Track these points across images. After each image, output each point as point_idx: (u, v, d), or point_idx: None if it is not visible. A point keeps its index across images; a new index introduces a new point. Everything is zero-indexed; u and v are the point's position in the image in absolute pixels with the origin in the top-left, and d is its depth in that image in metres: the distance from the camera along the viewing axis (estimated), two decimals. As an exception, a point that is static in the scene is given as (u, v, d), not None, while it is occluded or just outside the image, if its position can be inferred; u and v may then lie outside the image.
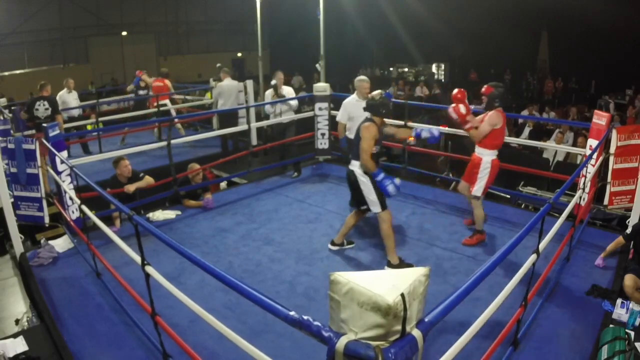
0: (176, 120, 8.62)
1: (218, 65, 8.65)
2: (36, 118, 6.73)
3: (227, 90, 8.03)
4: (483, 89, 4.34)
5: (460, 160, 7.19)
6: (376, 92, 4.13)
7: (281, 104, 6.50)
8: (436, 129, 4.45)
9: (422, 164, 6.67)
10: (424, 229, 4.85)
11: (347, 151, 4.14)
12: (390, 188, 3.86)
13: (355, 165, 4.01)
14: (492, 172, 4.38)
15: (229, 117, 7.75)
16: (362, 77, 5.55)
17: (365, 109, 4.01)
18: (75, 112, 8.43)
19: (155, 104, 8.86)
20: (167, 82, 9.14)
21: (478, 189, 4.38)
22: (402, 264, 4.02)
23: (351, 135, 5.04)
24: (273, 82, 6.58)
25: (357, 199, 4.13)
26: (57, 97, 8.07)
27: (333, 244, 4.42)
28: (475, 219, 4.49)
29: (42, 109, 6.78)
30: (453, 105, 4.54)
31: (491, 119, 4.27)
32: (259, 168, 6.66)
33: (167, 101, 9.00)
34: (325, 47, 8.82)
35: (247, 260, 4.30)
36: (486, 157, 4.35)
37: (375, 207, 3.99)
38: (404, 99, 10.40)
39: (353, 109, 5.30)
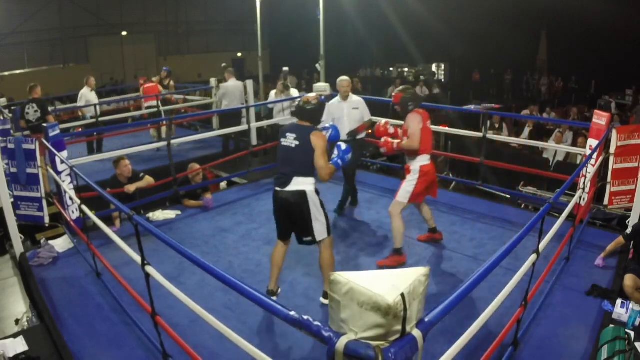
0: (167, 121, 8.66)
1: (223, 65, 8.65)
2: (28, 122, 6.74)
3: (232, 91, 8.04)
4: (393, 99, 4.13)
5: (460, 161, 7.21)
6: (312, 95, 3.58)
7: (289, 103, 6.55)
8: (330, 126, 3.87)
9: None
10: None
11: (281, 168, 3.42)
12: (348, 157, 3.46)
13: (301, 184, 3.31)
14: (422, 180, 4.03)
15: (230, 118, 7.75)
16: (343, 77, 5.37)
17: (294, 114, 3.52)
18: (95, 111, 8.55)
19: (146, 105, 8.99)
20: (159, 84, 9.28)
21: (402, 194, 4.02)
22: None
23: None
24: (280, 83, 6.68)
25: (298, 230, 3.45)
26: (80, 95, 8.26)
27: (272, 293, 3.58)
28: (393, 234, 4.06)
29: (32, 112, 6.78)
30: (382, 141, 4.20)
31: (411, 120, 3.99)
32: (259, 168, 6.66)
33: (153, 102, 9.07)
34: (325, 47, 8.82)
35: (247, 260, 4.29)
36: (415, 164, 4.03)
37: (321, 233, 3.36)
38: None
39: (336, 111, 5.21)
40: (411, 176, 4.04)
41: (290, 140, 3.35)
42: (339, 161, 3.42)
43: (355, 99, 5.30)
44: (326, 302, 3.35)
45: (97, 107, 8.32)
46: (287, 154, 3.36)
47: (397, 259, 4.05)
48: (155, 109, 8.96)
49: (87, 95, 8.27)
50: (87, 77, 8.54)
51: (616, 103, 12.59)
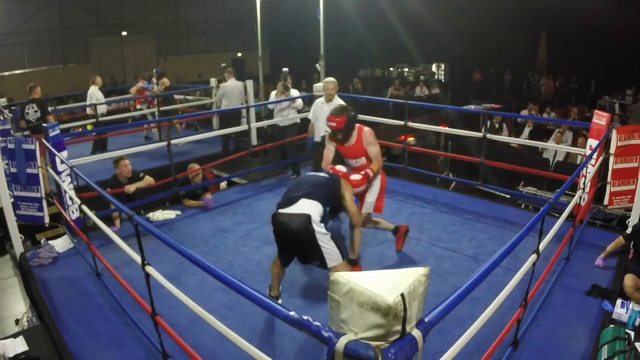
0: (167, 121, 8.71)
1: (223, 65, 8.66)
2: (28, 122, 6.75)
3: (231, 91, 8.04)
4: (334, 125, 3.74)
5: (460, 160, 7.21)
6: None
7: (288, 103, 6.55)
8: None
9: (422, 164, 6.67)
10: (424, 229, 4.84)
11: (290, 191, 3.23)
12: None
13: (308, 208, 3.01)
14: (383, 188, 4.00)
15: (230, 118, 7.75)
16: (329, 78, 5.29)
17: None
18: (105, 109, 8.75)
19: (138, 106, 9.16)
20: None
21: (367, 206, 3.91)
22: None
23: (318, 137, 5.06)
24: (280, 84, 6.70)
25: (303, 255, 3.15)
26: (90, 94, 8.39)
27: (277, 298, 3.43)
28: (354, 244, 3.91)
29: (31, 112, 6.80)
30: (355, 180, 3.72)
31: (370, 137, 3.84)
32: (259, 168, 6.66)
33: (139, 105, 9.18)
34: (325, 47, 8.82)
35: (247, 260, 4.29)
36: (377, 175, 3.94)
37: (333, 260, 3.04)
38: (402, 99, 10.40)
39: (317, 110, 5.29)
40: (374, 187, 3.92)
41: (321, 175, 3.35)
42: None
43: (338, 102, 5.11)
44: None
45: (104, 105, 8.49)
46: (309, 180, 3.20)
47: (352, 269, 3.63)
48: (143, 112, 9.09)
49: (97, 94, 8.42)
50: (93, 76, 8.68)
51: (618, 104, 12.58)
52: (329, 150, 3.92)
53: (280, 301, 3.42)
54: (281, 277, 3.41)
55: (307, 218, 2.94)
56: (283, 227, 3.01)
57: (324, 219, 3.07)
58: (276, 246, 3.25)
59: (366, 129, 3.87)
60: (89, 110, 8.52)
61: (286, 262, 3.26)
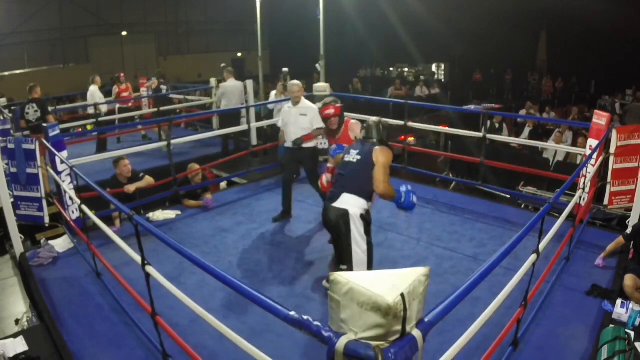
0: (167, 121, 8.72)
1: (222, 65, 8.66)
2: (28, 122, 6.75)
3: (231, 91, 8.04)
4: (332, 112, 3.97)
5: (460, 160, 7.21)
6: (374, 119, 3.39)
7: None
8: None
9: (422, 164, 6.68)
10: (424, 229, 4.85)
11: (336, 184, 3.27)
12: (414, 199, 3.17)
13: (347, 203, 3.01)
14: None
15: (230, 118, 7.76)
16: (294, 81, 5.09)
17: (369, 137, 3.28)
18: (106, 108, 8.82)
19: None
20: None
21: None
22: None
23: (289, 143, 4.92)
24: (280, 84, 6.69)
25: (339, 254, 3.19)
26: (91, 93, 8.45)
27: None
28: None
29: (31, 112, 6.81)
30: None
31: (354, 128, 4.12)
32: (259, 168, 6.66)
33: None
34: (325, 47, 8.82)
35: (247, 260, 4.29)
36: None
37: (360, 264, 2.97)
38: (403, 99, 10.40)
39: (285, 115, 5.01)
40: None
41: (353, 155, 3.20)
42: (402, 202, 3.11)
43: (306, 104, 4.95)
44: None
45: (105, 105, 8.51)
46: (346, 168, 3.16)
47: None
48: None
49: (97, 93, 8.47)
50: (93, 76, 8.72)
51: (620, 104, 12.58)
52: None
53: None
54: None
55: (346, 213, 2.97)
56: (328, 220, 3.09)
57: (364, 216, 3.04)
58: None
59: (352, 120, 4.23)
60: (90, 110, 8.55)
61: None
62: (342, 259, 3.09)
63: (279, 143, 5.49)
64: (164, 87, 9.49)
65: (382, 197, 3.05)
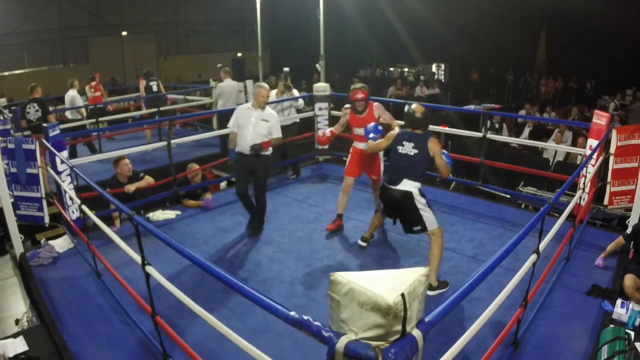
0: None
1: (219, 65, 8.66)
2: (29, 121, 6.75)
3: (227, 91, 8.02)
4: (362, 96, 4.58)
5: (460, 161, 7.21)
6: (416, 105, 3.87)
7: (289, 103, 6.54)
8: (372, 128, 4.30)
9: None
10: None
11: (391, 171, 3.79)
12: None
13: (408, 186, 3.64)
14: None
15: (228, 117, 7.74)
16: (262, 83, 4.79)
17: (406, 124, 3.82)
18: (84, 112, 8.69)
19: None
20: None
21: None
22: (440, 286, 3.67)
23: (239, 147, 4.55)
24: (281, 84, 6.66)
25: (407, 222, 3.78)
26: (73, 98, 8.29)
27: (364, 239, 4.44)
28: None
29: (32, 111, 6.81)
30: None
31: (378, 109, 4.71)
32: (259, 168, 6.64)
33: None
34: (325, 47, 8.81)
35: (247, 260, 4.29)
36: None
37: (432, 224, 3.69)
38: (404, 99, 10.40)
39: (243, 117, 4.58)
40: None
41: (408, 148, 3.70)
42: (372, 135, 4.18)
43: (269, 111, 4.67)
44: (432, 293, 3.59)
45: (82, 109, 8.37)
46: (402, 160, 3.71)
47: (339, 223, 4.84)
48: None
49: (78, 97, 8.30)
50: (72, 79, 8.44)
51: (617, 103, 12.56)
52: (342, 121, 4.86)
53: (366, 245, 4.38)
54: (377, 227, 4.44)
55: (410, 194, 3.64)
56: (393, 199, 3.73)
57: (422, 193, 3.70)
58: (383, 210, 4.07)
59: (375, 103, 4.71)
60: (69, 115, 8.42)
61: (389, 217, 4.04)
62: (413, 223, 3.74)
63: (229, 145, 4.80)
64: (153, 84, 9.06)
65: (446, 175, 3.84)
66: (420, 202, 3.65)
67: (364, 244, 4.41)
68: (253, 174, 4.64)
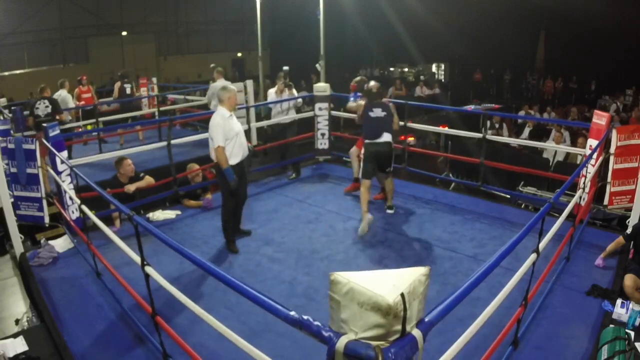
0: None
1: (212, 65, 8.65)
2: (37, 117, 6.77)
3: None
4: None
5: (460, 161, 7.21)
6: (374, 83, 5.13)
7: (288, 103, 6.53)
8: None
9: (421, 164, 6.67)
10: (424, 229, 4.85)
11: (373, 130, 4.86)
12: None
13: (388, 137, 4.83)
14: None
15: None
16: (231, 86, 4.67)
17: (371, 97, 4.94)
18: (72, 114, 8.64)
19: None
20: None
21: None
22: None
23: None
24: (281, 82, 6.64)
25: (384, 165, 4.92)
26: (64, 98, 8.20)
27: (390, 207, 5.26)
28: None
29: (42, 107, 6.86)
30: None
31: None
32: (259, 168, 6.66)
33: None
34: (325, 47, 8.83)
35: (247, 260, 4.30)
36: None
37: (391, 166, 5.00)
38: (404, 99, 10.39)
39: (231, 126, 4.30)
40: None
41: (378, 113, 4.86)
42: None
43: (238, 113, 4.62)
44: (391, 211, 5.21)
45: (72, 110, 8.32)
46: (377, 121, 4.86)
47: (356, 185, 5.58)
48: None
49: (69, 97, 8.24)
50: (62, 80, 8.33)
51: (619, 105, 12.55)
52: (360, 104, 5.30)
53: (370, 218, 4.81)
54: (368, 199, 4.91)
55: (390, 143, 4.87)
56: (379, 148, 4.83)
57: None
58: (366, 170, 4.89)
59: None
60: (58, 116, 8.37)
61: (371, 176, 4.95)
62: (388, 166, 4.95)
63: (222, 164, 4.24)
64: (127, 86, 8.92)
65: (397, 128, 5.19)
66: (394, 149, 4.97)
67: (391, 211, 5.24)
68: (243, 178, 4.52)
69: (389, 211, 5.22)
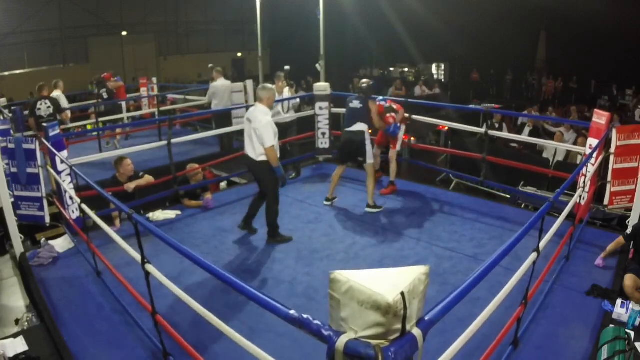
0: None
1: (210, 65, 8.66)
2: (39, 118, 6.76)
3: (221, 90, 8.02)
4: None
5: (460, 161, 7.21)
6: (365, 80, 5.47)
7: (288, 102, 6.53)
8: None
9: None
10: (424, 229, 4.85)
11: (349, 119, 5.22)
12: None
13: (361, 127, 5.11)
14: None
15: (222, 117, 7.75)
16: (268, 85, 4.62)
17: (357, 90, 5.35)
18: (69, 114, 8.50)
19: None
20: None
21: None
22: (377, 207, 5.24)
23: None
24: (281, 82, 6.62)
25: (354, 154, 5.18)
26: (61, 99, 8.15)
27: (327, 200, 5.48)
28: (392, 172, 5.83)
29: (44, 107, 6.85)
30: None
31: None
32: (259, 168, 6.63)
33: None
34: (325, 47, 8.81)
35: (247, 260, 4.30)
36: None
37: (370, 157, 5.16)
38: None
39: (273, 125, 4.34)
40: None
41: (356, 104, 5.20)
42: None
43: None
44: (371, 210, 5.24)
45: (69, 111, 8.20)
46: (354, 112, 5.21)
47: (393, 188, 5.84)
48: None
49: (63, 98, 8.15)
50: (57, 80, 8.27)
51: (620, 104, 12.55)
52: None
53: (331, 204, 5.44)
54: (337, 181, 5.46)
55: (362, 132, 5.13)
56: (349, 137, 5.19)
57: (368, 136, 5.17)
58: (337, 157, 5.59)
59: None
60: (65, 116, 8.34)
61: (343, 162, 5.51)
62: (359, 155, 5.17)
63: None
64: (103, 91, 8.96)
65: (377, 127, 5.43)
66: (367, 139, 5.12)
67: (370, 209, 5.34)
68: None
69: (367, 210, 5.26)
